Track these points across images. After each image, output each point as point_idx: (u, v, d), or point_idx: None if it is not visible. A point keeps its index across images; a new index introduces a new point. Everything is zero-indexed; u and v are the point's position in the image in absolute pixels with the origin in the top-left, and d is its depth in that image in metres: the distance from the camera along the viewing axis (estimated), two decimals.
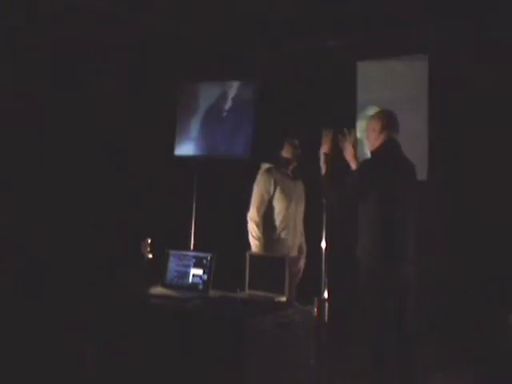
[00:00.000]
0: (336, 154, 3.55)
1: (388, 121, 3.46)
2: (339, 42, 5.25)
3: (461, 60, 4.90)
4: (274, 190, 3.97)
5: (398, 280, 3.35)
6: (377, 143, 3.46)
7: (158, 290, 3.52)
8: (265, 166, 4.08)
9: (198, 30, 5.35)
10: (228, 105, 5.25)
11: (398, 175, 3.40)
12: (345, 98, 5.43)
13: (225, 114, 5.25)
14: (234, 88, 5.26)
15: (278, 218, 3.97)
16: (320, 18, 4.98)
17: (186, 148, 5.30)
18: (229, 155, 5.20)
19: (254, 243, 3.94)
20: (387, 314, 3.34)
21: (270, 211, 3.99)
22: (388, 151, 3.44)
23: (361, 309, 3.46)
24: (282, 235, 3.94)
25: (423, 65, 5.18)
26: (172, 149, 5.31)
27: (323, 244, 3.65)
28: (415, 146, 5.02)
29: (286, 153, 4.10)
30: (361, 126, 5.27)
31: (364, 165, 3.47)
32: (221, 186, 5.44)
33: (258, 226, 3.93)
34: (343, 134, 3.53)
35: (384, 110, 3.58)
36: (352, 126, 5.48)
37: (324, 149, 3.53)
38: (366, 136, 3.57)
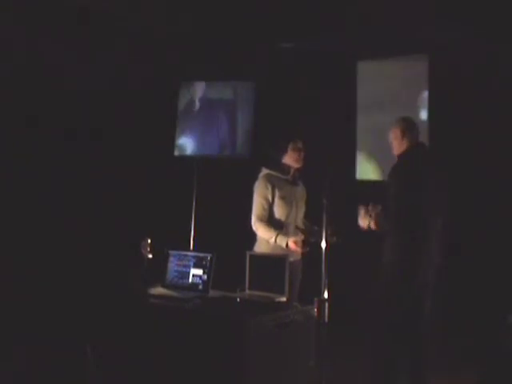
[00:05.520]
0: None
1: (406, 126, 3.70)
2: (339, 42, 5.25)
3: (461, 60, 4.90)
4: (273, 196, 3.93)
5: (419, 281, 3.42)
6: (401, 149, 3.67)
7: (158, 290, 3.52)
8: (264, 171, 4.03)
9: (198, 29, 5.35)
10: (226, 104, 5.25)
11: (424, 176, 3.52)
12: (345, 98, 5.43)
13: (224, 113, 5.25)
14: (233, 88, 5.26)
15: (278, 224, 3.95)
16: (320, 17, 4.98)
17: (185, 148, 5.30)
18: (228, 155, 5.20)
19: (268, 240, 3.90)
20: (403, 316, 3.41)
21: (270, 216, 3.97)
22: (413, 154, 3.63)
23: (372, 307, 3.50)
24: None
25: (423, 65, 5.18)
26: (172, 149, 5.31)
27: (323, 244, 3.63)
28: None
29: (288, 158, 4.02)
30: None
31: (392, 173, 3.63)
32: (221, 186, 5.44)
33: (263, 227, 3.89)
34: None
35: (401, 117, 3.80)
36: (352, 126, 5.50)
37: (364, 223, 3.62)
38: (392, 145, 3.77)
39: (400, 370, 3.48)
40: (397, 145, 3.71)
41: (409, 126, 3.71)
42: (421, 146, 3.72)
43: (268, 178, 3.97)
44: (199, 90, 5.35)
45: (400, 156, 3.69)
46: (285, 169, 4.00)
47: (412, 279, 3.44)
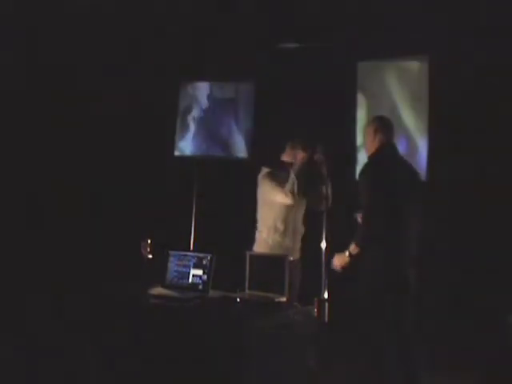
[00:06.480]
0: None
1: (380, 125, 3.59)
2: (339, 42, 5.25)
3: (461, 60, 4.89)
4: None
5: (397, 281, 3.38)
6: (373, 148, 3.57)
7: (158, 290, 3.52)
8: (264, 170, 4.05)
9: (199, 29, 5.35)
10: (228, 105, 5.26)
11: (394, 176, 3.45)
12: (345, 98, 5.42)
13: (226, 113, 5.25)
14: (234, 88, 5.26)
15: (278, 221, 3.95)
16: (320, 17, 4.98)
17: (185, 148, 5.31)
18: (228, 155, 5.21)
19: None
20: (386, 315, 3.37)
21: (269, 214, 3.97)
22: (383, 154, 3.54)
23: (360, 309, 3.47)
24: (282, 238, 3.93)
25: (423, 65, 5.18)
26: (172, 149, 5.31)
27: (323, 244, 3.64)
28: (415, 145, 5.02)
29: (287, 156, 4.04)
30: None
31: (362, 173, 3.56)
32: (221, 186, 5.44)
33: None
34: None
35: (377, 115, 3.73)
36: (352, 126, 5.50)
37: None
38: (364, 140, 3.70)
39: (397, 369, 3.46)
40: (369, 144, 3.62)
41: (383, 125, 3.61)
42: (391, 147, 3.59)
43: (270, 175, 3.99)
44: (201, 90, 5.35)
45: (370, 156, 3.61)
46: (284, 167, 4.01)
47: (388, 277, 3.39)
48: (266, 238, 3.96)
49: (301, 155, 3.93)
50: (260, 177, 4.05)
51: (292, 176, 3.86)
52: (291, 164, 4.00)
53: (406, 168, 3.58)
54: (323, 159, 3.90)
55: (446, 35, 4.87)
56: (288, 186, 3.85)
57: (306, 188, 3.93)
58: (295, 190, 3.83)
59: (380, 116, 3.73)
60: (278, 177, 3.96)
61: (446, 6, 4.66)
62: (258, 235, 4.03)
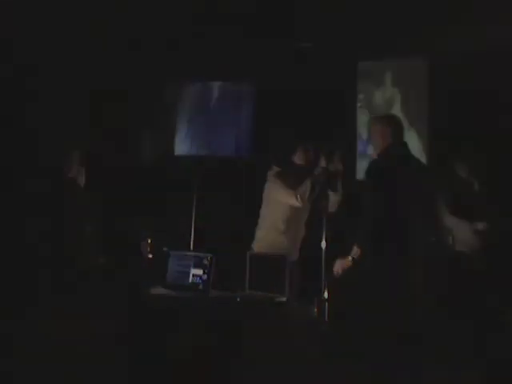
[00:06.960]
0: None
1: (388, 123, 3.52)
2: (339, 42, 5.25)
3: (461, 60, 4.90)
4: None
5: (399, 281, 3.38)
6: (380, 146, 3.49)
7: (158, 289, 3.52)
8: (275, 169, 4.03)
9: (198, 29, 5.35)
10: (230, 104, 5.27)
11: (398, 175, 3.42)
12: (345, 99, 5.43)
13: (227, 113, 5.26)
14: (233, 88, 5.27)
15: (280, 221, 3.95)
16: (320, 17, 4.99)
17: (185, 148, 5.31)
18: (230, 155, 5.22)
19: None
20: (387, 315, 3.37)
21: (273, 213, 3.97)
22: (389, 153, 3.47)
23: (361, 310, 3.47)
24: (282, 238, 3.93)
25: (423, 65, 5.19)
26: (172, 149, 5.31)
27: (323, 244, 3.64)
28: (415, 146, 5.02)
29: (298, 158, 4.02)
30: None
31: (366, 171, 3.49)
32: (221, 186, 5.44)
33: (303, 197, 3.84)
34: None
35: (386, 114, 3.63)
36: (352, 126, 5.50)
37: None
38: (372, 138, 3.61)
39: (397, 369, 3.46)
40: (376, 143, 3.54)
41: (391, 123, 3.53)
42: (400, 146, 3.50)
43: (279, 176, 3.97)
44: (202, 89, 5.36)
45: (381, 154, 3.51)
46: (294, 168, 3.99)
47: (390, 277, 3.33)
48: (265, 236, 3.95)
49: (322, 162, 3.84)
50: (270, 175, 4.02)
51: (307, 182, 3.81)
52: (301, 166, 3.98)
53: (413, 167, 3.53)
54: (342, 168, 3.89)
55: (445, 35, 4.88)
56: (300, 191, 3.82)
57: (319, 195, 3.90)
58: (307, 196, 3.82)
59: (390, 114, 3.69)
60: (289, 178, 3.93)
61: (445, 5, 4.66)
62: (257, 233, 4.02)
